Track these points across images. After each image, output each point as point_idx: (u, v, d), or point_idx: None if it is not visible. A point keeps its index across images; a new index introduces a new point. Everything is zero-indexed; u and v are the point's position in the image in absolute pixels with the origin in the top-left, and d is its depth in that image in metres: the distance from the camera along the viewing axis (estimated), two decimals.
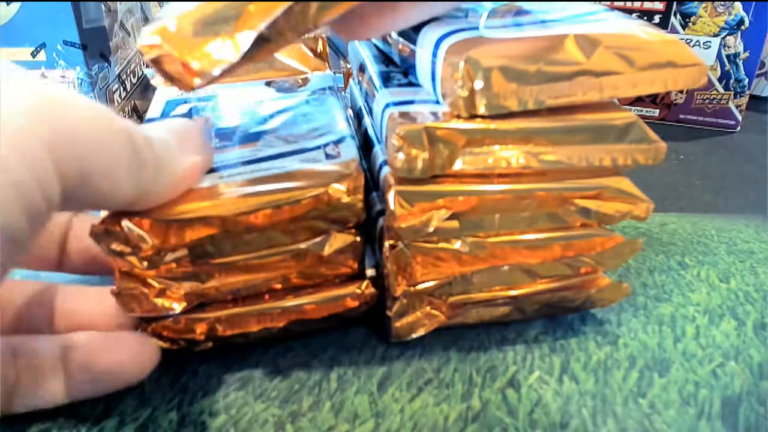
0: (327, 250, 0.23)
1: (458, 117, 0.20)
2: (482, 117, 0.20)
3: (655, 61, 0.20)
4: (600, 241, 0.24)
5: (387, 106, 0.22)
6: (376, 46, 0.29)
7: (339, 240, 0.23)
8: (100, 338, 0.21)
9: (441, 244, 0.23)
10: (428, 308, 0.24)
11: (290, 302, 0.24)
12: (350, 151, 0.24)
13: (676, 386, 0.23)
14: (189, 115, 0.29)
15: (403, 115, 0.21)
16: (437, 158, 0.21)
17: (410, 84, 0.24)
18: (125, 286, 0.22)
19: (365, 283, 0.24)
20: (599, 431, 0.21)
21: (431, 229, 0.22)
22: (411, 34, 0.24)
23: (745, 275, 0.30)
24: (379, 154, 0.25)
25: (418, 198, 0.22)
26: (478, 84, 0.19)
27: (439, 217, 0.22)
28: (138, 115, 0.48)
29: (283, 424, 0.22)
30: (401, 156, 0.20)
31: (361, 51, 0.29)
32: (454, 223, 0.22)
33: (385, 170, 0.23)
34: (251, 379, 0.24)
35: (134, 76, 0.48)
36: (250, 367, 0.24)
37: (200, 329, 0.23)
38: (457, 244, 0.23)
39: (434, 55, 0.21)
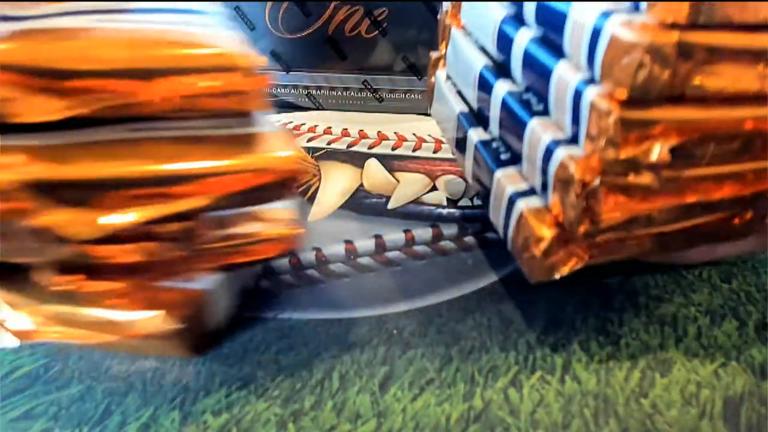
0: None
1: (691, 27, 0.17)
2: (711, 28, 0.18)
3: None
4: None
5: (605, 14, 0.19)
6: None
7: None
8: None
9: (632, 179, 0.20)
10: (572, 246, 0.22)
11: None
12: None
13: (678, 386, 0.23)
14: None
15: (628, 24, 0.18)
16: (677, 77, 0.18)
17: None
18: None
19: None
20: (601, 431, 0.21)
21: (651, 161, 0.19)
22: None
23: (747, 275, 0.30)
24: (568, 74, 0.21)
25: (638, 126, 0.19)
26: None
27: (659, 147, 0.19)
28: None
29: (285, 424, 0.22)
30: (642, 73, 0.18)
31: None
32: (666, 155, 0.20)
33: (589, 90, 0.19)
34: (253, 378, 0.24)
35: None
36: (251, 365, 0.24)
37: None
38: (649, 179, 0.20)
39: None
